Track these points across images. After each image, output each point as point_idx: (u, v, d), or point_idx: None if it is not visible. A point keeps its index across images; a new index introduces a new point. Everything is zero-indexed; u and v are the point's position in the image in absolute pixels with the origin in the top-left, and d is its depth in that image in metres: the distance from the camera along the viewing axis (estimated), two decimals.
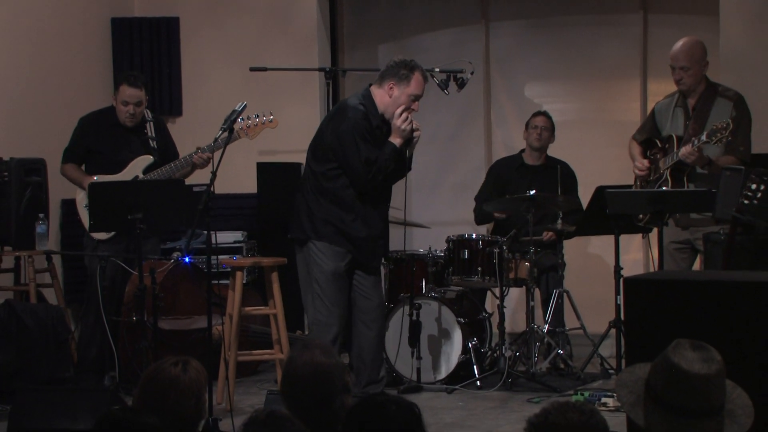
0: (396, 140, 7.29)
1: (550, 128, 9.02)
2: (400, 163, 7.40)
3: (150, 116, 8.41)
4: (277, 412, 3.28)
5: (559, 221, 8.57)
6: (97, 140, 8.28)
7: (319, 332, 7.24)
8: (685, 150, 7.38)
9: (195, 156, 8.06)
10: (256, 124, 8.04)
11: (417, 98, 7.35)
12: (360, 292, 7.43)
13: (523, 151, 9.12)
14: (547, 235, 8.66)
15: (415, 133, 7.36)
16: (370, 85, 7.43)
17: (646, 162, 7.76)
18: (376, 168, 7.25)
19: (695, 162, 7.40)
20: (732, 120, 7.31)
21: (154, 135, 8.37)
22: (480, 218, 9.08)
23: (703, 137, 7.28)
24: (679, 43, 7.64)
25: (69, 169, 8.30)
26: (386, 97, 7.31)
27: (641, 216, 7.81)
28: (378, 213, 7.44)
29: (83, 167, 8.29)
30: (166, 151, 8.37)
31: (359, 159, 7.21)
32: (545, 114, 9.10)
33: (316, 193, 7.34)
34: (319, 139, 7.43)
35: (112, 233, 8.03)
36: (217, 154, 6.81)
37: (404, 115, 7.27)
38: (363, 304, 7.44)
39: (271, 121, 8.08)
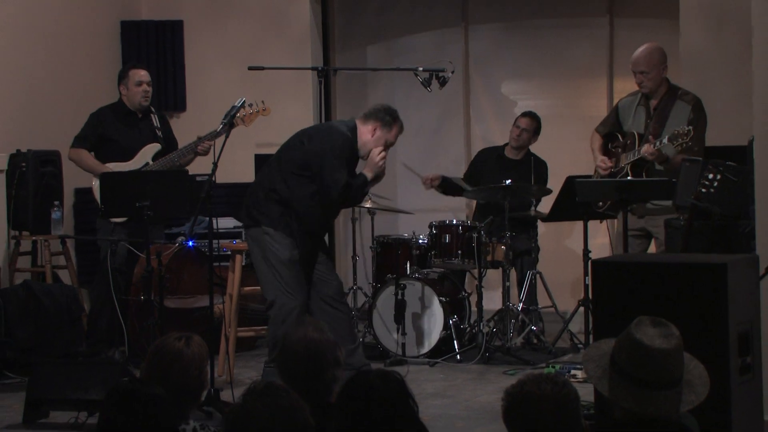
0: (369, 173, 7.23)
1: (532, 130, 8.99)
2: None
3: (154, 110, 8.47)
4: (274, 384, 3.28)
5: (532, 208, 8.58)
6: (111, 129, 8.32)
7: (282, 315, 7.11)
8: (647, 148, 7.38)
9: (199, 146, 8.10)
10: (251, 113, 8.05)
11: (391, 145, 7.33)
12: (320, 277, 7.34)
13: (507, 144, 9.13)
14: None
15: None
16: (355, 119, 7.37)
17: (608, 161, 7.76)
18: (347, 192, 7.19)
19: (655, 159, 7.41)
20: (689, 122, 7.33)
21: (159, 125, 8.43)
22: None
23: (665, 140, 7.27)
24: (639, 50, 7.64)
25: (83, 156, 8.29)
26: (368, 135, 7.24)
27: (600, 204, 7.82)
28: (323, 223, 7.40)
29: (93, 155, 8.29)
30: (169, 141, 8.44)
31: (336, 180, 7.09)
32: (531, 116, 9.05)
33: (280, 187, 7.22)
34: (298, 147, 7.31)
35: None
36: (218, 146, 6.79)
37: (383, 153, 7.25)
38: (325, 289, 7.31)
39: (264, 110, 8.09)
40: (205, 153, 8.08)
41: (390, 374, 3.55)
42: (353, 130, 7.27)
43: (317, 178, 7.11)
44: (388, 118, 7.26)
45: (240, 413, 3.19)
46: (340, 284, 7.43)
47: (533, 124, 9.00)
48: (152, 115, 8.45)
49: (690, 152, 7.30)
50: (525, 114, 9.09)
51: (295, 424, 3.12)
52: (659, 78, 7.57)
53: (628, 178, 7.49)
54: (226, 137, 6.88)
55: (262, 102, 8.07)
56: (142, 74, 8.39)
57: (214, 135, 7.88)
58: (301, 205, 7.14)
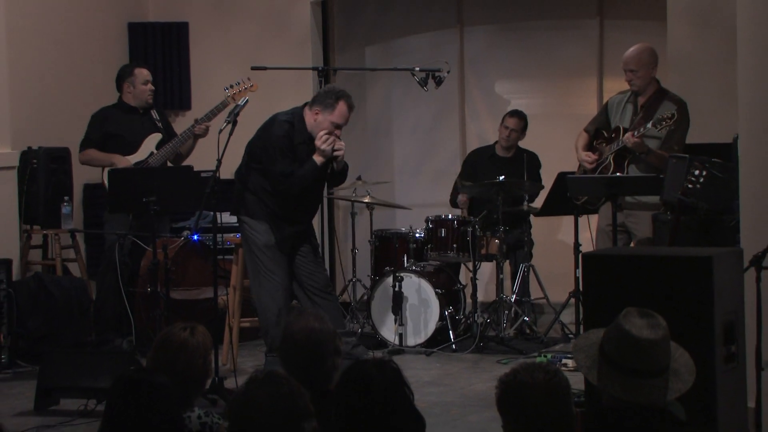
0: (317, 158, 7.16)
1: (520, 129, 8.99)
2: (326, 174, 7.31)
3: (153, 105, 8.58)
4: (276, 372, 3.28)
5: (525, 203, 8.57)
6: (114, 125, 8.37)
7: (267, 301, 7.17)
8: (629, 136, 7.39)
9: (196, 127, 8.22)
10: (239, 91, 8.08)
11: (338, 127, 7.20)
12: (306, 271, 7.33)
13: (496, 142, 9.12)
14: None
15: (337, 153, 7.19)
16: (305, 104, 7.31)
17: (593, 156, 7.76)
18: (291, 180, 7.14)
19: (636, 147, 7.39)
20: (675, 115, 7.33)
21: (159, 118, 8.52)
22: (454, 201, 9.09)
23: (649, 125, 7.30)
24: (631, 49, 7.65)
25: (92, 153, 8.33)
26: (312, 120, 7.19)
27: (579, 197, 7.83)
28: (301, 210, 7.35)
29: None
30: (170, 133, 8.50)
31: (276, 170, 7.12)
32: (518, 115, 9.04)
33: (248, 179, 7.26)
34: (252, 141, 7.33)
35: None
36: (222, 142, 6.78)
37: (324, 137, 7.15)
38: (312, 282, 7.30)
39: (251, 87, 8.11)
40: (203, 134, 8.24)
41: (386, 363, 3.54)
42: (297, 115, 7.24)
43: (264, 171, 7.19)
44: (329, 100, 7.18)
45: (243, 401, 3.20)
46: (326, 276, 7.48)
47: (521, 123, 9.00)
48: (152, 111, 8.54)
49: (669, 148, 7.32)
50: (512, 114, 9.08)
51: (296, 411, 3.13)
52: (648, 77, 7.57)
53: (618, 174, 7.48)
54: (230, 135, 6.87)
55: (248, 79, 8.13)
56: (146, 73, 8.49)
57: (209, 116, 8.08)
58: (266, 194, 7.19)
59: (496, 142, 9.12)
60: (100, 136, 8.34)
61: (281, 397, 3.16)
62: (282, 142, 7.17)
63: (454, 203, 9.09)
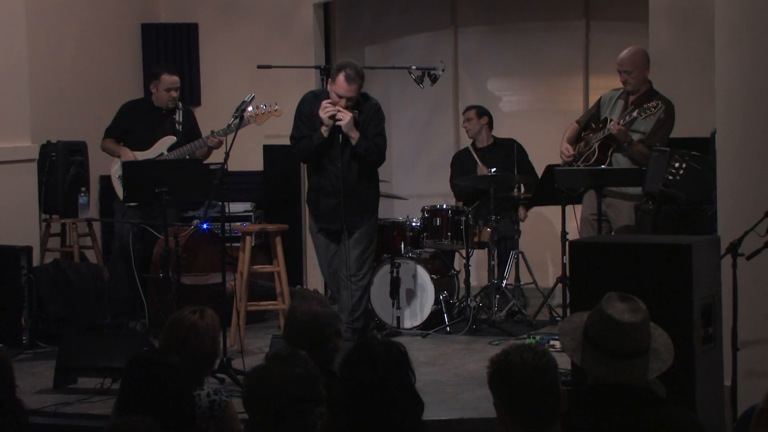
0: (323, 128, 7.24)
1: (474, 117, 9.01)
2: (341, 146, 7.27)
3: (181, 106, 8.47)
4: (298, 354, 3.23)
5: (516, 190, 8.56)
6: (133, 122, 8.34)
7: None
8: (613, 124, 7.39)
9: (209, 139, 8.09)
10: (264, 113, 7.99)
11: (342, 97, 7.21)
12: (342, 258, 7.43)
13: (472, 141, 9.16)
14: (523, 213, 8.71)
15: (338, 122, 7.19)
16: None
17: (571, 150, 7.75)
18: (299, 145, 7.33)
19: (620, 135, 7.37)
20: (658, 118, 7.33)
21: (181, 120, 8.43)
22: (458, 195, 9.08)
23: (634, 113, 7.31)
24: (625, 51, 7.61)
25: (107, 143, 8.35)
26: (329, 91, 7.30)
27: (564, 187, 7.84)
28: (329, 179, 7.36)
29: (120, 144, 8.31)
30: (192, 135, 8.38)
31: (292, 137, 7.39)
32: (469, 107, 9.15)
33: None
34: None
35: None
36: (230, 138, 6.79)
37: (324, 105, 7.19)
38: (344, 268, 7.41)
39: (276, 110, 8.02)
40: (218, 146, 8.07)
41: (395, 345, 3.53)
42: (325, 90, 7.36)
43: None
44: (333, 72, 7.27)
45: (261, 375, 3.16)
46: (355, 262, 7.44)
47: (472, 112, 9.05)
48: (178, 111, 8.44)
49: (651, 144, 7.31)
50: (466, 109, 9.20)
51: (307, 393, 3.09)
52: (642, 77, 7.55)
53: (603, 167, 7.47)
54: (237, 129, 6.86)
55: (275, 103, 8.02)
56: (173, 81, 8.35)
57: (225, 132, 7.84)
58: (309, 167, 7.58)
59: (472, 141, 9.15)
60: (120, 128, 8.33)
61: (296, 378, 3.13)
62: (301, 107, 7.35)
63: (458, 197, 9.05)
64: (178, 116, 8.44)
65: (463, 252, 8.34)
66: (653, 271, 4.80)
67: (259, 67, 9.00)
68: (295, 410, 3.07)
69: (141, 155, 8.16)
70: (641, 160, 7.26)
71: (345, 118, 7.19)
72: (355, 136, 7.27)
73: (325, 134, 7.24)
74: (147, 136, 8.29)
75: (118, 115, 8.42)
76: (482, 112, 9.06)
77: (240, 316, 7.53)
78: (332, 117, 7.20)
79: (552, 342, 7.09)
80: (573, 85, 9.90)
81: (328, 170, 7.35)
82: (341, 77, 7.19)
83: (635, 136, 7.40)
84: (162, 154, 8.21)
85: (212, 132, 8.09)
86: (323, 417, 3.27)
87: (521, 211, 8.72)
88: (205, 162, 8.04)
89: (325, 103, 7.20)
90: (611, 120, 7.49)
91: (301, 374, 3.18)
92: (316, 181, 7.47)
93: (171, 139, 8.30)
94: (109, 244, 9.04)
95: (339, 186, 7.33)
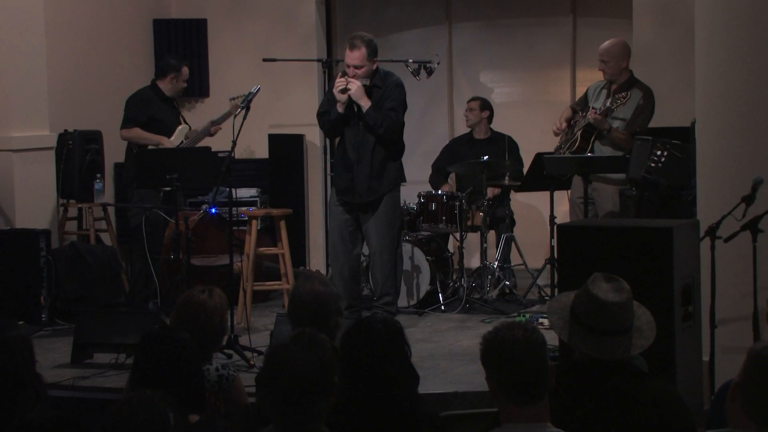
0: (338, 105, 7.14)
1: (477, 108, 8.97)
2: (359, 117, 7.13)
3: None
4: (318, 338, 3.10)
5: (506, 179, 8.55)
6: (157, 110, 8.38)
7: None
8: (591, 113, 7.41)
9: (213, 128, 8.30)
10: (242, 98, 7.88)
11: (350, 66, 7.07)
12: (365, 237, 7.39)
13: (471, 130, 9.12)
14: (492, 192, 8.61)
15: (348, 92, 7.05)
16: None
17: (564, 125, 7.77)
18: (320, 119, 7.31)
19: (597, 123, 7.38)
20: (638, 105, 7.34)
21: (179, 110, 8.64)
22: (434, 182, 9.05)
23: (608, 103, 7.33)
24: (605, 43, 7.63)
25: (138, 131, 8.31)
26: None
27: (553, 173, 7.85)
28: (349, 153, 7.24)
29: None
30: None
31: (318, 110, 7.38)
32: (474, 98, 9.09)
33: None
34: None
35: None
36: (237, 128, 6.73)
37: (338, 79, 7.10)
38: (368, 249, 7.41)
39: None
40: (214, 134, 8.31)
41: (392, 321, 3.54)
42: None
43: None
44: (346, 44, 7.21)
45: (281, 354, 3.05)
46: (377, 244, 7.29)
47: (475, 103, 9.00)
48: (175, 100, 8.60)
49: (631, 130, 7.33)
50: (470, 99, 9.12)
51: (322, 379, 3.00)
52: (618, 68, 7.55)
53: (589, 154, 7.47)
54: (244, 119, 6.85)
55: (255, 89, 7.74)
56: (188, 72, 8.55)
57: (222, 119, 8.03)
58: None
59: (471, 130, 9.11)
60: (144, 117, 8.32)
61: (314, 363, 3.00)
62: (331, 84, 7.30)
63: (434, 184, 9.02)
64: (177, 105, 8.63)
65: (457, 235, 8.34)
66: (636, 253, 4.81)
67: (265, 60, 8.99)
68: (306, 398, 2.98)
69: (167, 143, 8.24)
70: (622, 145, 7.31)
71: (353, 86, 7.06)
72: (365, 104, 7.08)
73: (340, 109, 7.11)
74: (169, 124, 8.38)
75: (139, 104, 8.38)
76: (485, 105, 9.03)
77: (246, 296, 7.53)
78: (343, 91, 7.08)
79: (541, 320, 7.09)
80: (561, 78, 9.88)
81: (348, 143, 7.26)
82: (347, 47, 7.12)
83: (616, 123, 7.41)
84: (182, 142, 8.28)
85: (212, 122, 8.25)
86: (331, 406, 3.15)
87: (489, 190, 8.60)
88: (214, 150, 8.03)
89: (338, 79, 7.14)
90: (592, 108, 7.51)
91: (319, 360, 3.03)
92: (339, 154, 7.36)
93: (185, 128, 8.38)
94: (122, 227, 9.04)
95: (355, 158, 7.22)
